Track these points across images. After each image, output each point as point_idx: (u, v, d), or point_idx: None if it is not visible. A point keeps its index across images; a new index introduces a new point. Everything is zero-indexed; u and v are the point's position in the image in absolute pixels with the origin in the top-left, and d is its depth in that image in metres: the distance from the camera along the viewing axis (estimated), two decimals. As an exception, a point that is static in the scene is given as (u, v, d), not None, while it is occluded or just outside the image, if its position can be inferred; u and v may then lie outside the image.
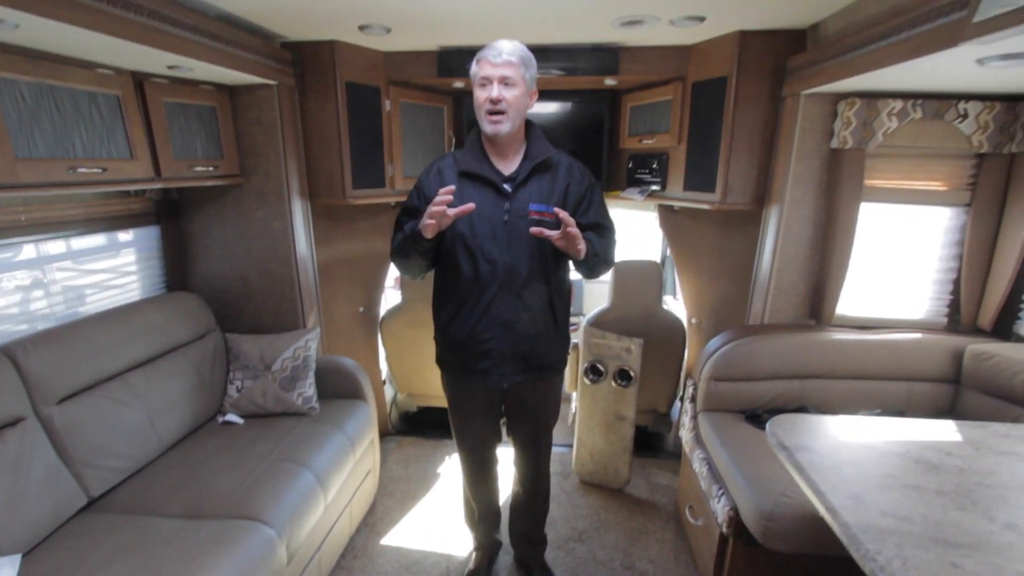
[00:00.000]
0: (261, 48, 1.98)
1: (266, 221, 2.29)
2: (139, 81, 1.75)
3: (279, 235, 2.30)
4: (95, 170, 1.59)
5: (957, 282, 2.06)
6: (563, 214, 1.40)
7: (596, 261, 1.59)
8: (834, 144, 1.95)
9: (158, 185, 1.88)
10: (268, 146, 2.20)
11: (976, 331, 2.06)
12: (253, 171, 2.24)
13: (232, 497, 1.67)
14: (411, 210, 1.63)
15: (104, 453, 1.70)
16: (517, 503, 2.03)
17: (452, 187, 1.40)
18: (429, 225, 1.41)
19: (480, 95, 1.48)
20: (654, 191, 2.58)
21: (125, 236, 2.18)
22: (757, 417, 2.03)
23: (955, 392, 1.99)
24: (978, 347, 1.91)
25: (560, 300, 1.68)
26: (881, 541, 1.00)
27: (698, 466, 2.02)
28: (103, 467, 1.69)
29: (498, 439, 1.94)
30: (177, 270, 2.37)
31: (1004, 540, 1.01)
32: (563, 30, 2.10)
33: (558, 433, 3.29)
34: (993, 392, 1.86)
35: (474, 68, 1.50)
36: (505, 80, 1.45)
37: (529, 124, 1.61)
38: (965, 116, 1.82)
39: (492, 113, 1.47)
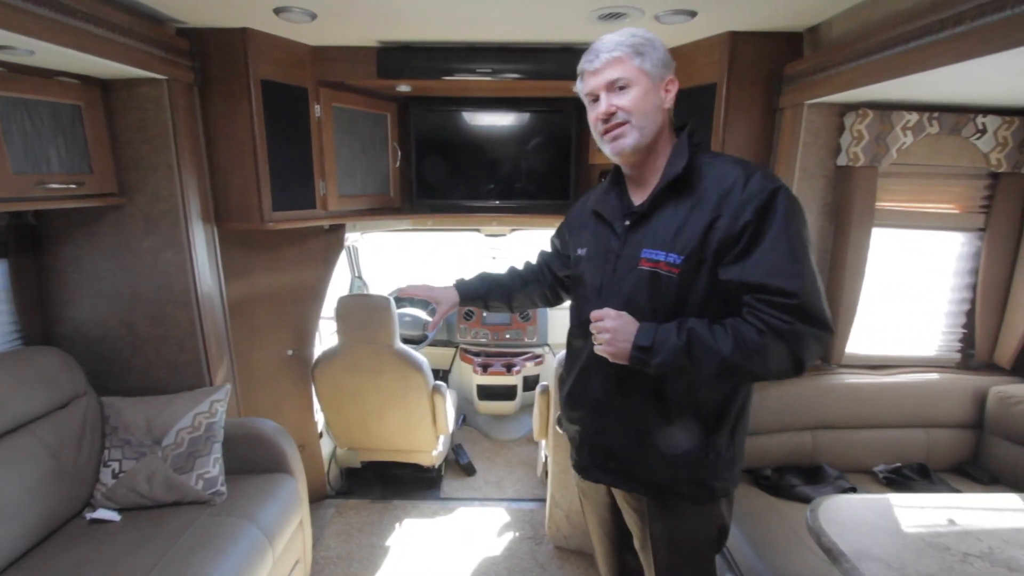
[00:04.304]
0: (143, 32, 1.52)
1: (156, 252, 1.79)
2: (-49, 66, 1.26)
3: (174, 269, 1.81)
4: None
5: (971, 314, 1.86)
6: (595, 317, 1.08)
7: (681, 372, 1.02)
8: (842, 161, 1.70)
9: (-14, 209, 1.37)
10: (157, 158, 1.72)
11: (991, 367, 1.87)
12: (137, 189, 1.75)
13: (82, 653, 1.17)
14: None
15: None
16: None
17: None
18: None
19: (590, 116, 1.14)
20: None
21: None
22: (766, 478, 1.73)
23: (977, 439, 1.78)
24: (1004, 389, 1.71)
25: (681, 389, 1.09)
26: None
27: (701, 541, 1.69)
28: None
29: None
30: (36, 317, 1.82)
31: None
32: (528, 25, 1.77)
33: (530, 487, 2.92)
34: (1022, 440, 1.64)
35: (579, 86, 1.16)
36: (614, 84, 1.07)
37: (682, 129, 1.15)
38: (983, 131, 1.63)
39: (609, 130, 1.09)
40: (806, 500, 1.62)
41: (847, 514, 1.14)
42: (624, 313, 1.07)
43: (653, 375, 1.04)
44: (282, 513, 1.76)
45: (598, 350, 1.07)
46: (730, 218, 1.01)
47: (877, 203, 1.74)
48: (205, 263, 1.88)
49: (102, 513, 1.62)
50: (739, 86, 1.83)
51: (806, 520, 1.15)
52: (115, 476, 1.67)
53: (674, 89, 1.11)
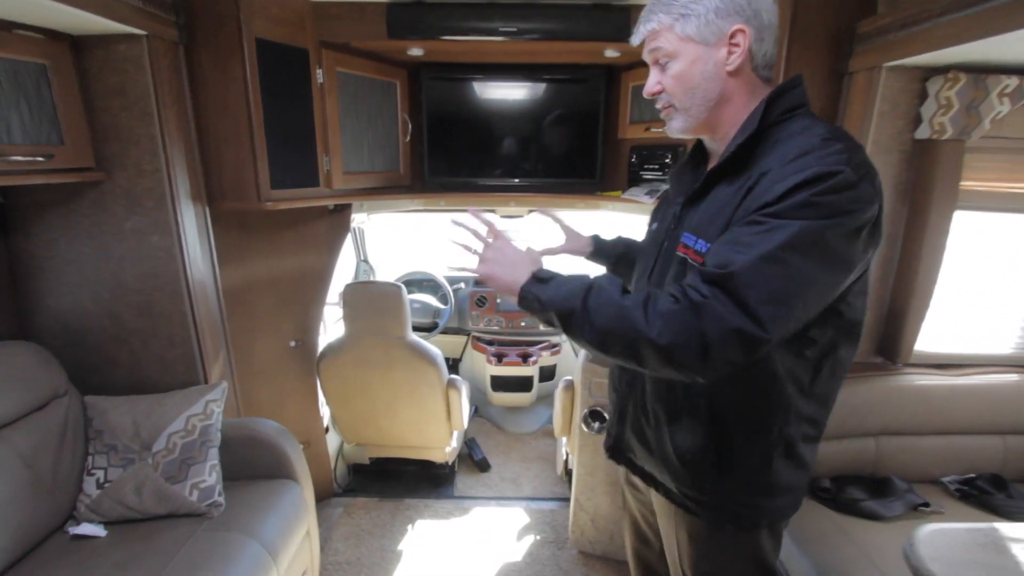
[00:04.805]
0: (116, -23, 1.30)
1: (141, 235, 1.59)
2: None
3: (161, 254, 1.61)
4: None
5: (1055, 308, 1.66)
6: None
7: (569, 321, 0.84)
8: (922, 134, 1.49)
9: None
10: (138, 127, 1.50)
11: (1074, 368, 1.68)
12: (117, 163, 1.54)
13: None
14: None
15: None
16: None
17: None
18: None
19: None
20: (666, 192, 2.07)
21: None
22: (824, 490, 1.55)
23: (1059, 447, 1.60)
24: (1096, 393, 1.52)
25: (728, 400, 0.92)
26: None
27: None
28: None
29: None
30: (8, 308, 1.64)
31: None
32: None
33: (548, 485, 2.76)
34: (1114, 450, 1.47)
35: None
36: (656, 57, 0.94)
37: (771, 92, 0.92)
38: (1091, 98, 1.41)
39: (661, 110, 0.99)
40: (873, 516, 1.45)
41: (955, 550, 0.96)
42: (532, 248, 1.01)
43: (540, 318, 0.90)
44: (286, 525, 1.59)
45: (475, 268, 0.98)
46: (756, 196, 0.80)
47: (961, 182, 1.53)
48: (196, 247, 1.68)
49: (86, 528, 1.45)
50: (801, 47, 1.59)
51: (904, 555, 0.98)
52: (100, 486, 1.50)
53: (744, 42, 0.87)
